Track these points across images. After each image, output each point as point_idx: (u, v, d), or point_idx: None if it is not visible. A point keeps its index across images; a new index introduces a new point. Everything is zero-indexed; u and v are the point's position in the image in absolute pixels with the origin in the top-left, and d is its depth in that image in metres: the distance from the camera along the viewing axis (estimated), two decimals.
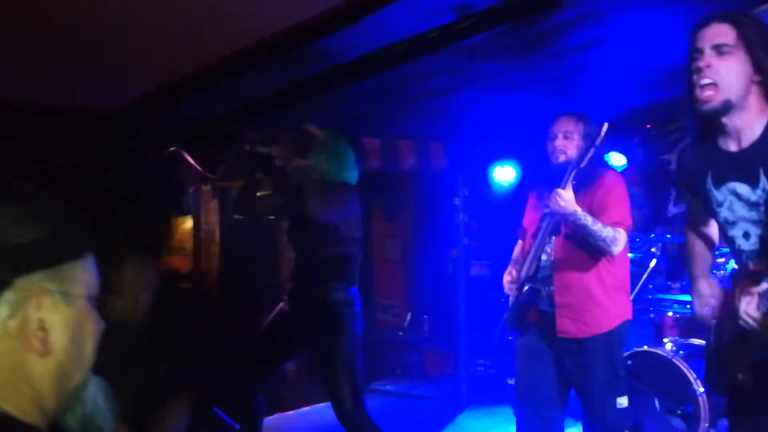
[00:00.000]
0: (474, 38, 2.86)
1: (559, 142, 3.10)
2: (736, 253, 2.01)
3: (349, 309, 3.44)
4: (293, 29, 2.77)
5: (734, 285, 1.98)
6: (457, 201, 5.54)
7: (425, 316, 6.39)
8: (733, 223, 1.98)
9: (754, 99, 1.89)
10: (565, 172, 2.93)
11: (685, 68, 1.95)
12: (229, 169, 3.85)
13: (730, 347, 1.95)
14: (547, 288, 3.11)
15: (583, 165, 2.87)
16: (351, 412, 3.33)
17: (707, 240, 2.29)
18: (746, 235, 1.95)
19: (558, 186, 2.90)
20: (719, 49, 1.85)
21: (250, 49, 2.95)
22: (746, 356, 1.90)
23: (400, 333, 6.37)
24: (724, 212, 2.00)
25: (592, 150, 2.85)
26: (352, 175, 3.59)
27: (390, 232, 6.89)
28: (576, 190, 2.91)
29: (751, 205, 1.91)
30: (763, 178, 1.87)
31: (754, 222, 1.92)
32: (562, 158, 3.07)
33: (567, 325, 3.04)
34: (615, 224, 2.98)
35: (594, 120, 3.09)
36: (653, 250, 4.35)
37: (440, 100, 3.96)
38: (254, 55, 2.97)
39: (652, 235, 4.49)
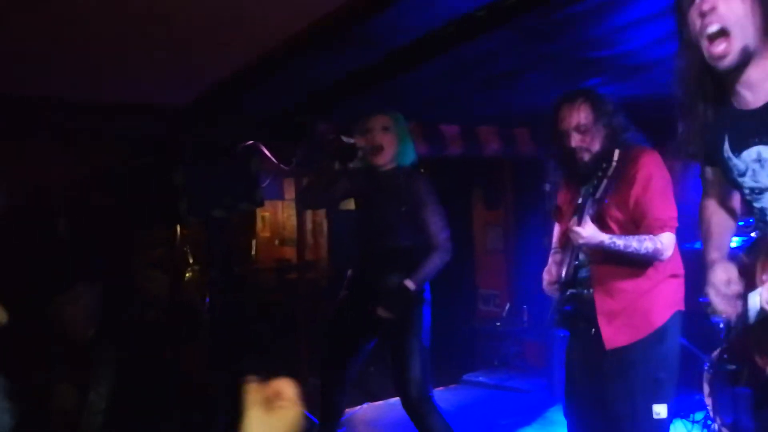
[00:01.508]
0: (521, 18, 2.73)
1: (576, 140, 2.72)
2: (765, 224, 1.75)
3: (418, 298, 3.40)
4: (333, 14, 2.75)
5: (757, 262, 1.73)
6: (547, 187, 5.31)
7: (524, 307, 6.22)
8: (761, 193, 1.71)
9: None
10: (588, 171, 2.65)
11: (676, 6, 1.65)
12: (304, 160, 3.88)
13: (752, 338, 1.72)
14: (588, 290, 2.81)
15: (598, 197, 2.53)
16: (415, 400, 3.30)
17: (727, 215, 2.00)
18: None
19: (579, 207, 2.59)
20: None
21: (297, 37, 2.96)
22: None
23: (498, 324, 6.24)
24: (748, 182, 1.72)
25: (605, 182, 2.51)
26: (414, 157, 3.55)
27: (490, 220, 6.76)
28: (605, 191, 2.56)
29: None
30: None
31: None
32: (586, 157, 2.72)
33: (611, 335, 2.74)
34: (658, 228, 2.64)
35: (612, 101, 2.75)
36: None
37: (511, 82, 3.81)
38: (300, 42, 2.97)
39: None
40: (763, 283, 1.53)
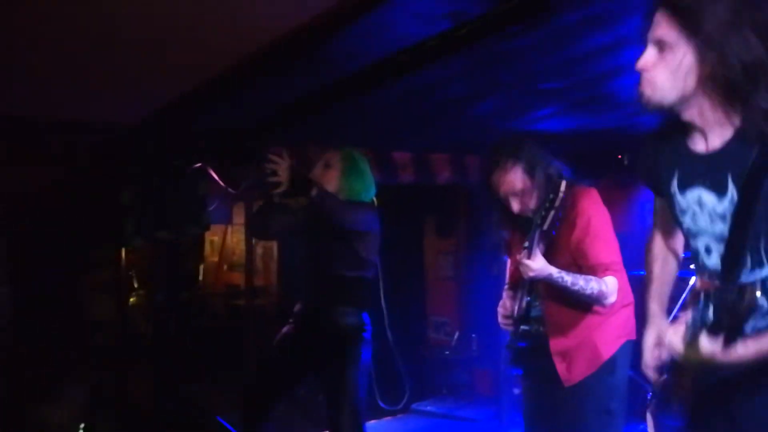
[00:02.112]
0: (474, 45, 2.75)
1: (516, 206, 2.73)
2: (699, 267, 1.77)
3: (358, 335, 3.36)
4: (285, 37, 2.73)
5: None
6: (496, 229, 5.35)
7: (474, 335, 6.22)
8: (696, 235, 1.74)
9: (715, 97, 1.59)
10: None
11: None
12: (253, 186, 3.81)
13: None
14: (541, 328, 2.83)
15: (545, 228, 2.54)
16: None
17: (671, 254, 2.03)
18: (708, 251, 1.71)
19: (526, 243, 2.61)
20: (660, 46, 1.60)
21: (248, 60, 2.94)
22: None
23: (447, 352, 6.22)
24: (687, 221, 1.75)
25: (553, 213, 2.52)
26: (370, 194, 3.51)
27: (442, 248, 6.78)
28: (552, 223, 2.58)
29: (715, 217, 1.66)
30: (731, 186, 1.60)
31: (717, 238, 1.66)
32: (529, 212, 2.73)
33: (566, 372, 2.76)
34: (601, 271, 2.66)
35: (541, 151, 2.75)
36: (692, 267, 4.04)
37: (464, 109, 3.84)
38: (251, 65, 2.95)
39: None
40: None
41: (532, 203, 2.72)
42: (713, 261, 1.70)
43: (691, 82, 1.58)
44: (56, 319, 4.27)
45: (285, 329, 3.56)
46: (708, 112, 1.62)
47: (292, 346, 3.47)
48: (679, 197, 1.76)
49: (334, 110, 3.67)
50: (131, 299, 5.21)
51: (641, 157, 1.90)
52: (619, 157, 4.68)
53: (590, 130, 4.24)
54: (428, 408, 5.76)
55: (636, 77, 1.70)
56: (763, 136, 1.52)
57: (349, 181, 3.40)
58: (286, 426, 4.72)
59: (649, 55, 1.62)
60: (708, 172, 1.65)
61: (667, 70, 1.59)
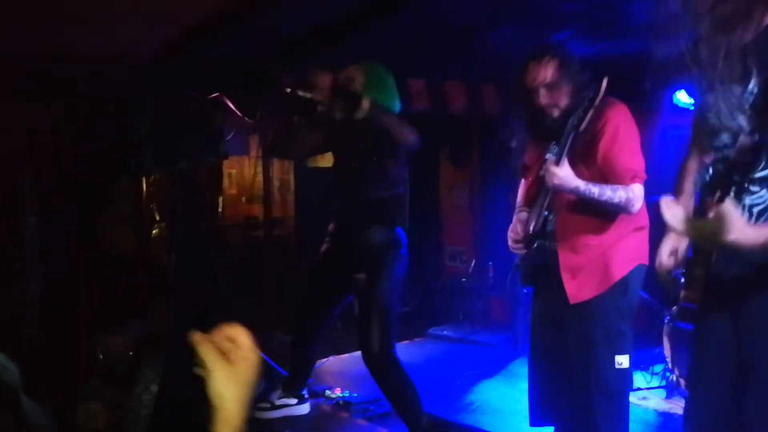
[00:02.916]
0: None
1: (544, 97, 2.69)
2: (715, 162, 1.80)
3: (392, 251, 3.38)
4: None
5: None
6: (514, 144, 5.33)
7: (490, 263, 6.30)
8: (716, 133, 1.76)
9: None
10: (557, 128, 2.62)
11: None
12: (269, 114, 3.83)
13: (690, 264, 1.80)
14: (554, 243, 2.81)
15: (582, 129, 2.52)
16: (376, 353, 3.30)
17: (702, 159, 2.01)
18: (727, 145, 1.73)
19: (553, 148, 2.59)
20: None
21: None
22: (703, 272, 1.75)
23: (464, 280, 6.32)
24: (712, 118, 1.76)
25: (591, 112, 2.49)
26: (394, 105, 3.45)
27: (458, 178, 6.80)
28: (572, 145, 2.59)
29: (736, 111, 1.68)
30: (753, 79, 1.63)
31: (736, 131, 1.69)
32: (555, 113, 2.71)
33: (574, 290, 2.76)
34: (628, 179, 2.65)
35: (578, 57, 2.73)
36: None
37: (478, 36, 3.80)
38: None
39: None
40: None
41: (562, 101, 2.71)
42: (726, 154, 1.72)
43: None
44: (82, 252, 4.36)
45: (323, 248, 3.61)
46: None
47: (328, 264, 3.54)
48: (709, 94, 1.75)
49: (348, 38, 3.65)
50: (153, 231, 5.29)
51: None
52: (642, 82, 4.60)
53: (611, 55, 4.18)
54: (445, 333, 5.89)
55: None
56: None
57: (372, 93, 3.30)
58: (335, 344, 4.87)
59: None
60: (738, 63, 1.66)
61: None
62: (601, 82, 2.53)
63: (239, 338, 1.14)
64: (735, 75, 1.69)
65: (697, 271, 1.81)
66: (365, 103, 3.15)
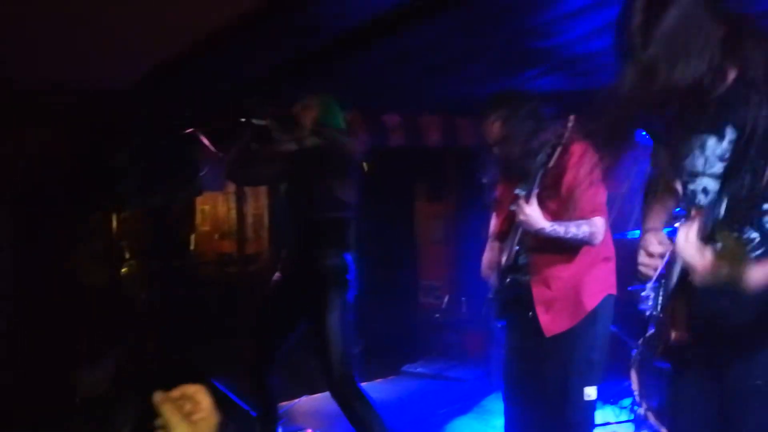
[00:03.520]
0: (462, 4, 2.77)
1: (504, 149, 2.83)
2: (694, 206, 1.84)
3: (341, 276, 3.39)
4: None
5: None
6: (484, 180, 5.37)
7: (464, 298, 6.29)
8: (694, 177, 1.83)
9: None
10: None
11: None
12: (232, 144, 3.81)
13: (674, 302, 1.81)
14: (526, 276, 2.90)
15: (551, 165, 2.62)
16: (336, 380, 3.30)
17: (668, 198, 2.08)
18: (705, 191, 1.80)
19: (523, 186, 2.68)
20: None
21: (240, 20, 2.93)
22: (690, 310, 1.76)
23: (437, 315, 6.30)
24: (687, 165, 1.84)
25: (559, 150, 2.59)
26: (344, 136, 3.51)
27: (433, 213, 6.82)
28: (540, 183, 2.69)
29: (715, 157, 1.76)
30: (729, 129, 1.72)
31: (715, 177, 1.76)
32: (518, 156, 2.81)
33: (549, 323, 2.85)
34: (590, 213, 2.75)
35: (524, 103, 2.83)
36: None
37: (453, 71, 3.86)
38: (243, 26, 2.94)
39: None
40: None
41: (522, 146, 2.80)
42: (710, 198, 1.76)
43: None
44: (54, 288, 4.28)
45: (275, 277, 3.60)
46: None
47: (280, 292, 3.52)
48: (682, 143, 1.84)
49: (323, 72, 3.69)
50: (124, 269, 5.23)
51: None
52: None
53: (579, 90, 4.26)
54: (419, 369, 5.86)
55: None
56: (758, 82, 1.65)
57: (327, 120, 3.42)
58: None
59: None
60: (711, 117, 1.75)
61: None
62: (567, 119, 2.58)
63: (200, 398, 1.13)
64: (705, 126, 1.77)
65: (680, 306, 1.82)
66: (307, 123, 3.27)
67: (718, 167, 1.75)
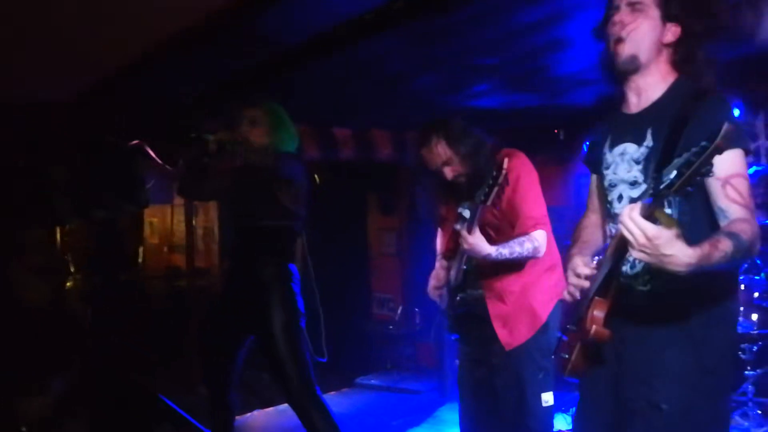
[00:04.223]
0: (411, 20, 2.78)
1: (448, 173, 2.82)
2: (610, 216, 1.97)
3: (285, 285, 3.32)
4: (222, 10, 2.70)
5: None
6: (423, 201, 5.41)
7: (417, 310, 6.30)
8: (613, 187, 1.94)
9: (662, 62, 1.89)
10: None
11: (601, 27, 1.92)
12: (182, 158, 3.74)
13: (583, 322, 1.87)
14: (478, 292, 2.91)
15: (488, 203, 2.58)
16: (296, 390, 3.22)
17: (599, 231, 2.16)
18: (620, 198, 1.92)
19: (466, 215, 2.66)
20: (633, 6, 1.85)
21: (185, 32, 2.89)
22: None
23: (391, 327, 6.30)
24: (609, 175, 1.96)
25: (497, 189, 2.55)
26: (294, 144, 3.46)
27: (385, 225, 6.82)
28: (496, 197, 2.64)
29: (633, 163, 1.88)
30: (649, 136, 1.84)
31: (631, 183, 1.89)
32: (462, 180, 2.82)
33: (507, 337, 2.87)
34: (531, 227, 2.77)
35: (462, 124, 2.84)
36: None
37: (403, 86, 3.87)
38: (188, 38, 2.91)
39: None
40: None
41: (465, 168, 2.82)
42: (623, 206, 1.87)
43: (652, 45, 1.85)
44: None
45: (220, 290, 3.55)
46: (652, 76, 1.88)
47: (226, 305, 3.45)
48: (607, 155, 1.97)
49: (272, 86, 3.66)
50: (68, 283, 5.09)
51: (589, 143, 2.13)
52: (555, 132, 4.78)
53: (526, 106, 4.32)
54: (372, 382, 5.84)
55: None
56: (698, 91, 1.81)
57: (278, 133, 3.37)
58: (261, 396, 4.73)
59: (624, 13, 1.85)
60: (634, 127, 1.89)
61: (642, 27, 1.84)
62: (501, 161, 2.58)
63: None
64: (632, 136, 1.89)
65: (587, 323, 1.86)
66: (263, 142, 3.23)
67: (635, 173, 1.87)
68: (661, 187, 1.50)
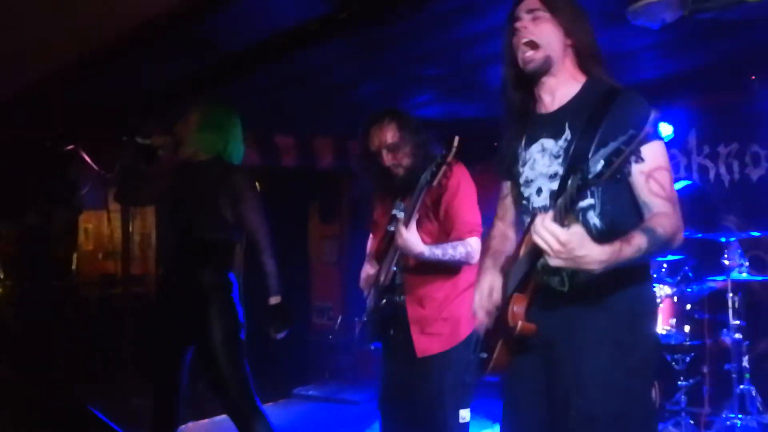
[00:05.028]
0: (354, 29, 2.80)
1: (388, 158, 2.82)
2: (528, 213, 2.01)
3: (224, 293, 3.22)
4: (164, 14, 2.66)
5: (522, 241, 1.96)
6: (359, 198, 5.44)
7: (356, 319, 6.28)
8: (530, 182, 1.99)
9: (568, 62, 1.98)
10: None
11: (505, 42, 2.00)
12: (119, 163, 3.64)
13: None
14: (401, 297, 2.87)
15: (435, 184, 2.58)
16: (234, 399, 3.14)
17: (509, 238, 2.21)
18: (539, 191, 1.97)
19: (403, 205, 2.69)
20: (533, 14, 1.95)
21: (127, 35, 2.84)
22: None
23: (330, 336, 6.27)
24: (526, 172, 2.01)
25: (443, 170, 2.56)
26: (231, 152, 3.33)
27: (326, 233, 6.81)
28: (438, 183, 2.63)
29: (552, 157, 1.93)
30: (567, 129, 1.91)
31: (550, 177, 1.94)
32: (400, 172, 2.82)
33: (423, 344, 2.83)
34: (467, 233, 2.78)
35: (415, 118, 2.86)
36: None
37: (345, 94, 3.89)
38: (129, 41, 2.86)
39: None
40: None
41: (404, 161, 2.82)
42: (543, 198, 1.95)
43: (559, 46, 1.94)
44: None
45: (156, 299, 3.44)
46: (563, 75, 1.97)
47: (163, 314, 3.33)
48: (523, 153, 2.03)
49: (213, 92, 3.62)
50: None
51: (499, 147, 2.15)
52: (495, 144, 4.85)
53: (467, 117, 4.39)
54: (310, 392, 5.80)
55: None
56: (613, 87, 1.90)
57: (203, 134, 3.23)
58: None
59: (527, 20, 1.95)
60: (550, 124, 1.97)
61: (543, 30, 1.93)
62: (451, 140, 2.62)
63: None
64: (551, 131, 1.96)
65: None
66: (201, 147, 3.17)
67: (555, 166, 1.93)
68: (590, 176, 1.55)
